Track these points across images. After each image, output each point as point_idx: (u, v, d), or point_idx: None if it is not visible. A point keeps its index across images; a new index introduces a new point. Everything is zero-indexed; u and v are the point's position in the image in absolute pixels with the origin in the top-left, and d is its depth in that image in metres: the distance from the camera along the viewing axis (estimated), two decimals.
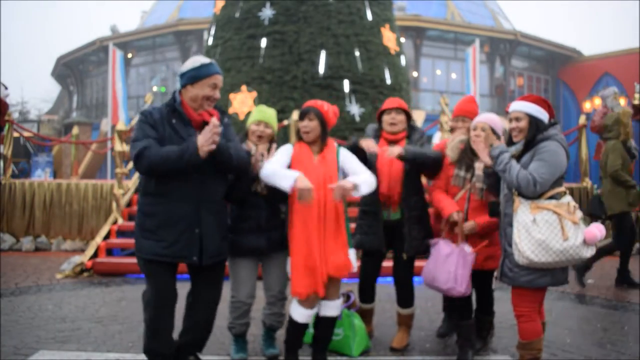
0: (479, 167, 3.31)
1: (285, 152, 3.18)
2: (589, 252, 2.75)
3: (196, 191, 2.73)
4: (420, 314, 4.45)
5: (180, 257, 2.73)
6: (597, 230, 2.73)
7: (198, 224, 2.73)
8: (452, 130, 3.78)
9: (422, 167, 3.54)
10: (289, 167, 3.12)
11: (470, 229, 3.29)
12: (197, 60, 2.80)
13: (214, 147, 2.65)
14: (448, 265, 3.22)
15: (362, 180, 3.06)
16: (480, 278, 3.46)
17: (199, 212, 2.74)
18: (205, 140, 2.61)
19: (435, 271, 3.28)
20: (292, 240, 3.08)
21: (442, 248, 3.30)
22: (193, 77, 2.75)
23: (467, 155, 3.38)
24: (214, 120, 2.66)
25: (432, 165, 3.51)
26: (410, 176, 3.55)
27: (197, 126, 2.78)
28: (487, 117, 3.32)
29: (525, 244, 2.73)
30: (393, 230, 3.59)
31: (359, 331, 3.53)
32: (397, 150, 3.40)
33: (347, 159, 3.25)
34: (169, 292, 2.79)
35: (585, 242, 2.72)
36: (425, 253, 3.55)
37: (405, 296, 3.68)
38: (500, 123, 3.32)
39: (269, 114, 3.38)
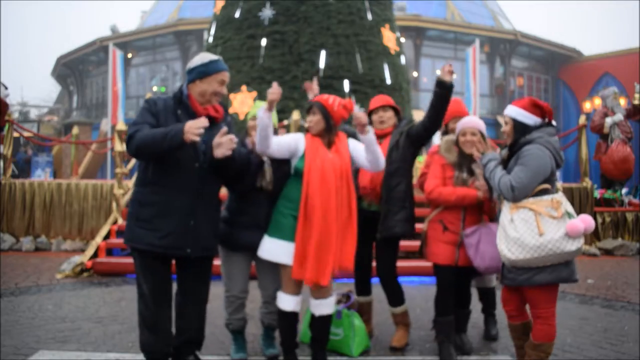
0: (480, 172, 3.30)
1: (293, 136, 3.18)
2: (574, 245, 2.70)
3: (194, 183, 2.75)
4: (420, 313, 4.46)
5: (174, 249, 2.74)
6: (581, 222, 2.69)
7: (193, 215, 2.75)
8: (450, 131, 3.77)
9: (440, 105, 3.45)
10: (303, 157, 3.10)
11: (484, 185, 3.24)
12: (206, 56, 2.85)
13: (229, 153, 2.70)
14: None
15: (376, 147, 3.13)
16: (464, 275, 3.51)
17: (195, 204, 2.76)
18: (192, 127, 2.59)
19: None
20: (309, 228, 3.01)
21: (493, 229, 3.19)
22: (202, 72, 2.80)
23: (467, 158, 3.39)
24: (230, 136, 2.70)
25: (443, 111, 3.48)
26: (393, 159, 3.51)
27: None
28: (475, 122, 3.39)
29: (502, 244, 2.81)
30: (372, 223, 3.56)
31: (358, 331, 3.53)
32: (449, 73, 3.35)
33: (356, 147, 3.26)
34: (164, 287, 2.80)
35: (567, 235, 2.69)
36: (400, 236, 3.56)
37: (392, 294, 3.67)
38: (483, 124, 3.42)
39: None
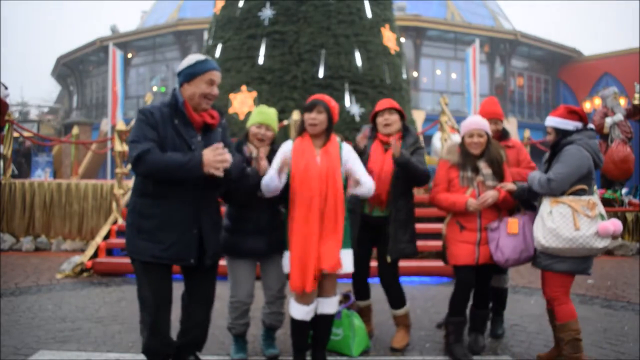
0: (484, 166, 3.44)
1: (283, 154, 3.16)
2: (602, 244, 3.04)
3: (195, 193, 2.71)
4: (420, 314, 4.46)
5: (179, 260, 2.71)
6: (611, 224, 3.01)
7: (197, 225, 2.72)
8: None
9: (407, 175, 3.50)
10: (290, 162, 3.10)
11: (492, 195, 3.36)
12: (193, 57, 2.78)
13: (221, 174, 2.61)
14: (529, 231, 3.33)
15: (366, 184, 3.13)
16: (483, 272, 3.54)
17: (198, 213, 2.73)
18: (212, 161, 2.57)
19: (523, 242, 3.32)
20: (291, 235, 3.08)
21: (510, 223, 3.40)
22: (189, 74, 2.73)
23: (470, 157, 3.46)
24: (226, 156, 2.62)
25: (416, 179, 3.54)
26: (399, 178, 3.51)
27: (198, 128, 2.77)
28: (481, 124, 3.49)
29: (539, 231, 3.11)
30: (377, 230, 3.57)
31: (358, 331, 3.53)
32: (397, 150, 3.39)
33: (351, 157, 3.24)
34: (166, 292, 2.77)
35: (598, 234, 3.01)
36: (409, 256, 3.60)
37: (394, 297, 3.67)
38: (488, 124, 3.54)
39: (269, 115, 3.36)
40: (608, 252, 8.09)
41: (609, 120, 9.43)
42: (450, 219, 3.55)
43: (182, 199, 2.69)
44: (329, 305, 3.19)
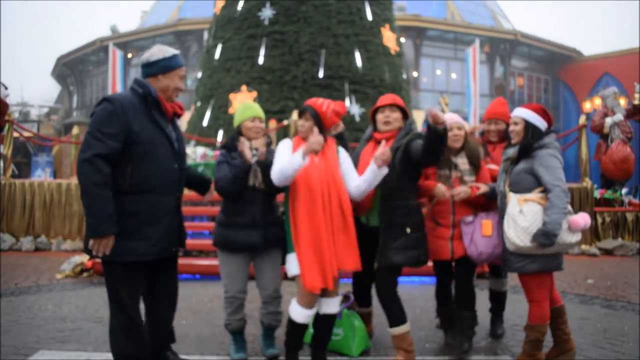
0: (463, 162, 3.45)
1: (286, 148, 3.18)
2: (574, 238, 3.02)
3: (175, 184, 2.75)
4: (420, 313, 4.46)
5: (164, 251, 2.72)
6: (581, 218, 3.01)
7: (176, 215, 2.79)
8: (485, 132, 3.86)
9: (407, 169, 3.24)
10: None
11: (465, 191, 3.36)
12: (167, 50, 2.77)
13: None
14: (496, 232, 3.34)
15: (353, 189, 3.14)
16: (462, 267, 3.51)
17: (176, 204, 2.79)
18: (96, 249, 2.49)
19: (497, 237, 3.30)
20: (298, 236, 3.03)
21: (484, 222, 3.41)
22: (165, 67, 2.72)
23: (447, 155, 3.40)
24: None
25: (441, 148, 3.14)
26: (390, 179, 3.11)
27: (169, 118, 2.78)
28: (454, 117, 3.51)
29: (512, 232, 3.06)
30: (372, 238, 3.25)
31: (358, 331, 3.52)
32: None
33: (346, 161, 3.24)
34: (139, 294, 2.76)
35: (569, 229, 2.99)
36: (403, 266, 3.27)
37: (388, 313, 3.24)
38: (461, 119, 3.56)
39: (259, 109, 3.42)
40: (608, 252, 8.10)
41: (609, 120, 9.44)
42: (427, 215, 3.54)
43: (163, 191, 2.68)
44: (332, 305, 3.18)
